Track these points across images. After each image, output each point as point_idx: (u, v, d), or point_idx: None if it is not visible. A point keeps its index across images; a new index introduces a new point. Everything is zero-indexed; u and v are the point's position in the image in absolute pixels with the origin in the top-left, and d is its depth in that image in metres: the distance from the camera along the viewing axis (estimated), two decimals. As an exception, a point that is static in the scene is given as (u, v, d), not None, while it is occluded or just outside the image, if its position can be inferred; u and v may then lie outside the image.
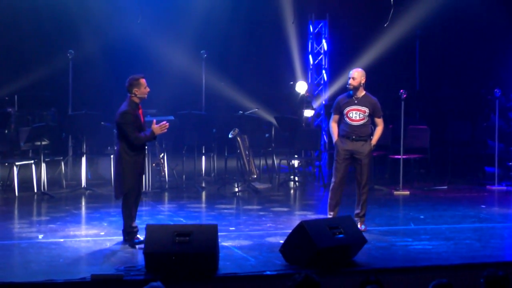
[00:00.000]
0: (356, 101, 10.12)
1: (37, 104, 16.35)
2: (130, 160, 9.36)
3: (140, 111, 9.52)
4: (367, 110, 10.10)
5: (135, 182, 9.41)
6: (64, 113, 15.30)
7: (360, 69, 10.29)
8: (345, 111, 10.13)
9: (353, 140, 10.11)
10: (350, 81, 10.13)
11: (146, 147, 9.81)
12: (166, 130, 9.51)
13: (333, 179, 10.32)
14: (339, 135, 10.21)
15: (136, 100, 9.42)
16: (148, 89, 9.44)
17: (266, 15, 17.86)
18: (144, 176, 13.09)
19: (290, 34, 17.43)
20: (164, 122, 9.49)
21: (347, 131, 10.15)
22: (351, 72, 10.19)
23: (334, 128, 10.29)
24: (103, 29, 16.80)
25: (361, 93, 10.15)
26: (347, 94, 10.22)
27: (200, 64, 15.57)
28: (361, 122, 10.12)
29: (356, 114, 10.10)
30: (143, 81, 9.42)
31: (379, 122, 10.25)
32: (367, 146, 10.15)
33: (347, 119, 10.14)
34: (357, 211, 10.29)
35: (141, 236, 9.24)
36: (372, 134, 10.32)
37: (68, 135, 14.86)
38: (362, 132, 10.14)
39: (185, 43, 17.15)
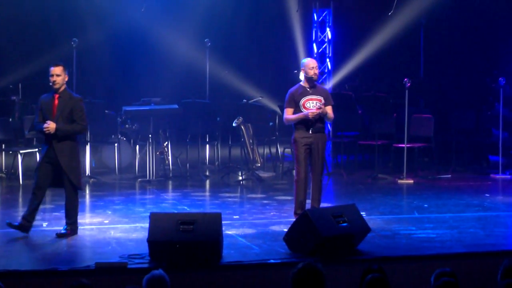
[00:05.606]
0: (310, 91, 9.78)
1: (41, 93, 16.24)
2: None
3: (56, 101, 9.27)
4: (322, 99, 9.77)
5: (38, 171, 9.17)
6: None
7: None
8: (302, 102, 9.73)
9: (313, 132, 9.72)
10: (316, 71, 9.85)
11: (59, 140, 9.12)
12: (47, 131, 9.01)
13: (297, 175, 9.78)
14: (297, 128, 9.79)
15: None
16: (51, 78, 9.24)
17: (270, 4, 17.84)
18: (147, 164, 13.34)
19: (294, 23, 17.40)
20: (47, 125, 9.03)
21: (306, 122, 9.73)
22: (315, 62, 9.91)
23: (293, 117, 9.79)
24: (107, 18, 16.79)
25: (314, 83, 9.92)
26: (298, 86, 9.90)
27: (204, 53, 15.54)
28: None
29: (313, 104, 9.72)
30: (50, 69, 9.29)
31: (330, 109, 9.83)
32: (324, 137, 9.90)
33: (304, 110, 9.73)
34: (314, 204, 9.81)
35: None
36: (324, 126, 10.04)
37: (72, 123, 14.84)
38: (320, 122, 9.79)
39: (189, 31, 17.14)
